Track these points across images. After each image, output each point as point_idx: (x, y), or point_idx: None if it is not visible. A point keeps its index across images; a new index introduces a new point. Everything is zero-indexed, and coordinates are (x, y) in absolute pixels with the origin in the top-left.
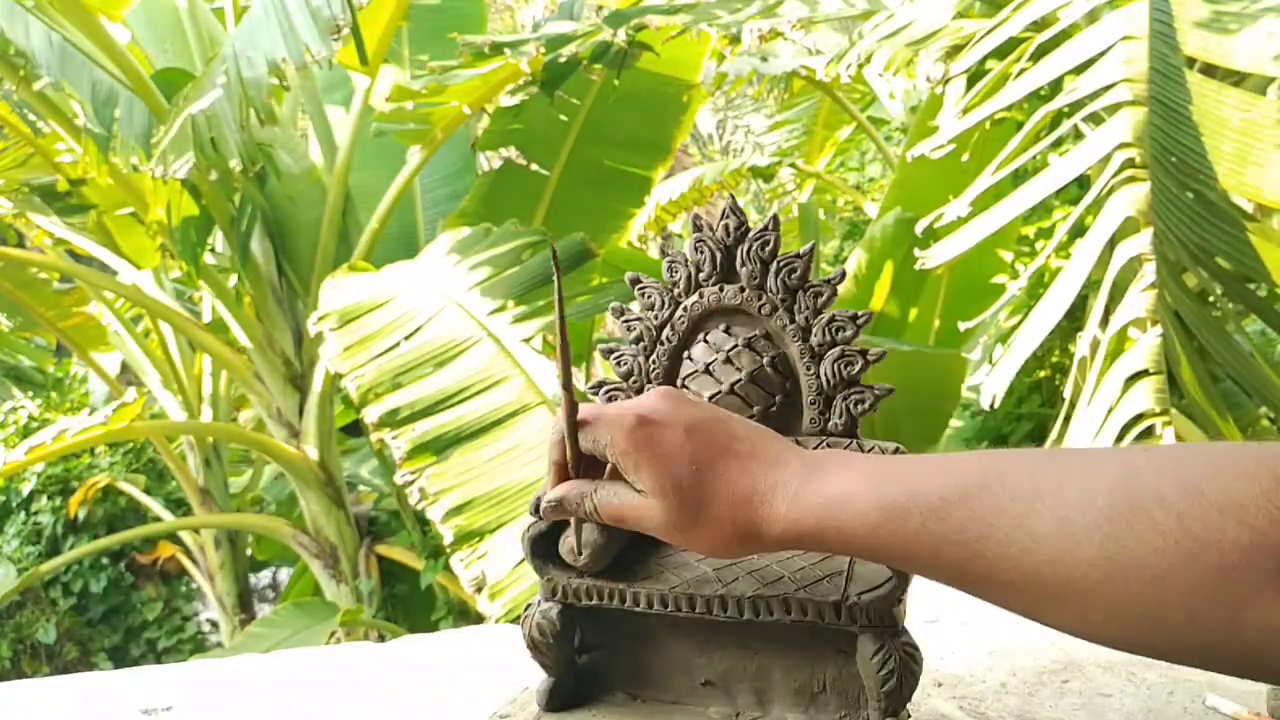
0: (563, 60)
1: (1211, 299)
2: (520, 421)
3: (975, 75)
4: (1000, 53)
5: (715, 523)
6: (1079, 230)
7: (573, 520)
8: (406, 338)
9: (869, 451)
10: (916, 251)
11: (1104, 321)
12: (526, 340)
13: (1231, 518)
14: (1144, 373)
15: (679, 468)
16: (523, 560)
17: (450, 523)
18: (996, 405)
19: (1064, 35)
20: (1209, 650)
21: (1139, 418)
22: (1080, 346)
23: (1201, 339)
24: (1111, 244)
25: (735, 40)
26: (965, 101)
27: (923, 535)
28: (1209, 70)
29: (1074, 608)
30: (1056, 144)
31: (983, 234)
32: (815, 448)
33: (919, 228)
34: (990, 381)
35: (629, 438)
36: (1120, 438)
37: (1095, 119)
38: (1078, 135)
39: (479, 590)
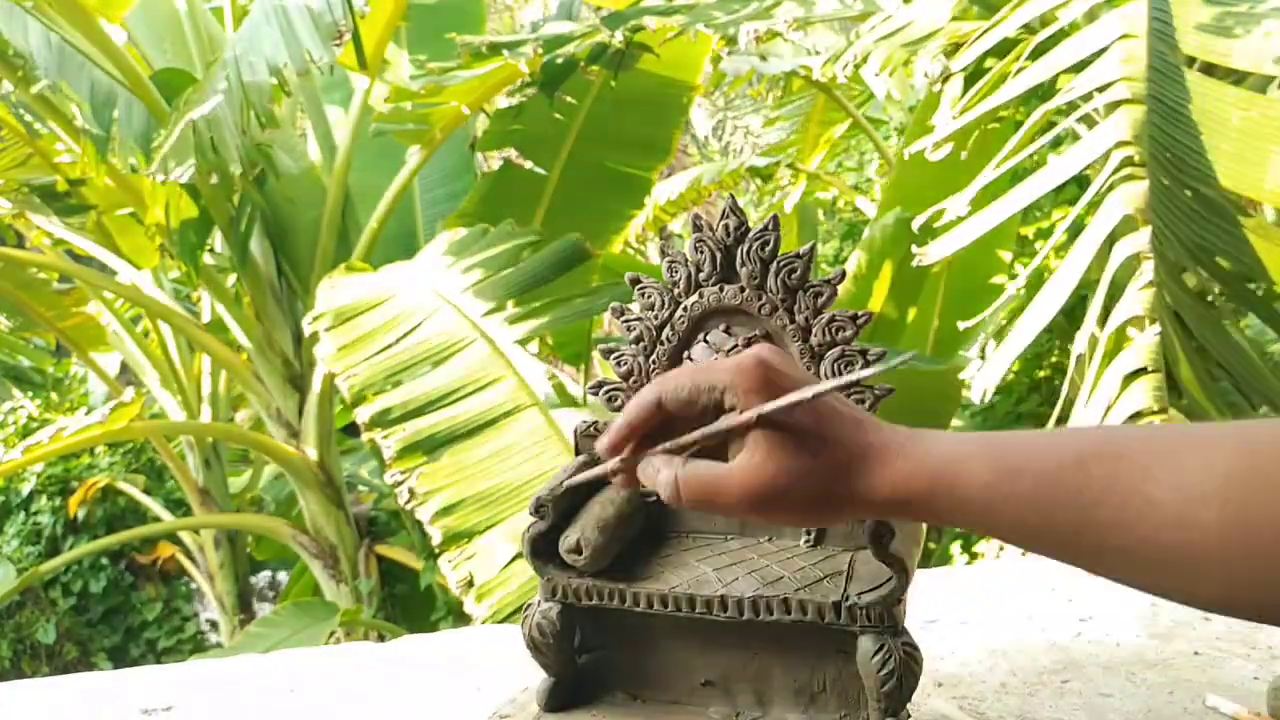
0: (561, 61)
1: (1210, 298)
2: (512, 423)
3: (974, 75)
4: (999, 51)
5: (817, 488)
6: (1078, 229)
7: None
8: (401, 338)
9: None
10: (914, 248)
11: (1102, 320)
12: (520, 342)
13: None
14: (1142, 370)
15: (798, 412)
16: (511, 562)
17: (439, 523)
18: (988, 400)
19: (1062, 34)
20: None
21: (1137, 416)
22: (1078, 344)
23: (1200, 337)
24: (1110, 242)
25: (732, 41)
26: (964, 101)
27: (1037, 499)
28: (1209, 69)
29: (1189, 573)
30: (1056, 144)
31: (980, 231)
32: None
33: (916, 224)
34: (982, 376)
35: (751, 377)
36: None
37: (1090, 120)
38: (1077, 135)
39: (466, 591)
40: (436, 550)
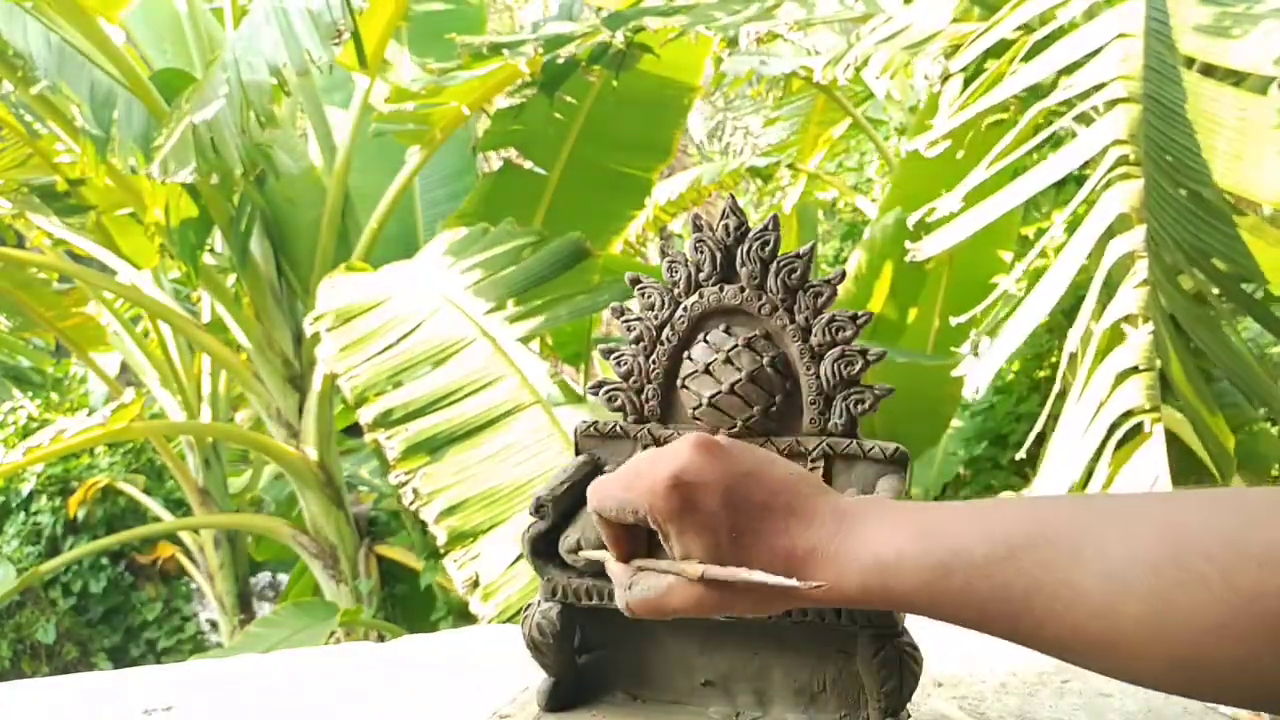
0: (561, 61)
1: (1206, 299)
2: (515, 421)
3: (973, 75)
4: (997, 51)
5: (750, 595)
6: (1074, 228)
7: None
8: (402, 338)
9: (869, 452)
10: (908, 244)
11: (1096, 317)
12: (522, 340)
13: (1272, 570)
14: (1134, 369)
15: (718, 535)
16: (516, 560)
17: (443, 523)
18: (980, 395)
19: (1060, 32)
20: (1260, 696)
21: (1128, 414)
22: (1071, 341)
23: (1195, 337)
24: (1105, 240)
25: (733, 43)
26: (964, 99)
27: (969, 593)
28: (1208, 70)
29: (1122, 660)
30: (1055, 144)
31: (974, 228)
32: (815, 449)
33: (911, 221)
34: (975, 372)
35: (666, 503)
36: (1109, 434)
37: (1086, 119)
38: (1073, 133)
39: (472, 591)
40: (441, 551)
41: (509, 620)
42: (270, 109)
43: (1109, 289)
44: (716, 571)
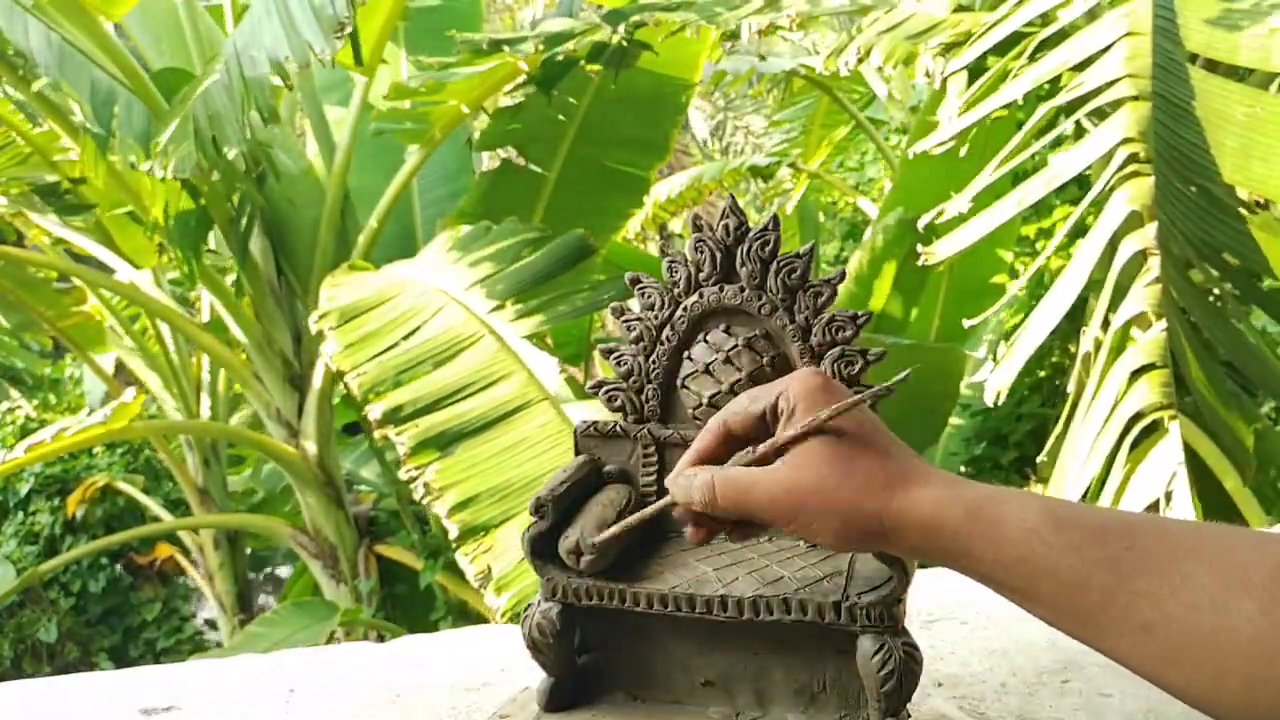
0: (560, 58)
1: (1217, 294)
2: (523, 417)
3: (976, 71)
4: (1001, 49)
5: (852, 499)
6: (1079, 230)
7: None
8: (407, 336)
9: None
10: (919, 248)
11: (1106, 319)
12: (528, 337)
13: None
14: (1149, 367)
15: (847, 422)
16: None
17: (456, 518)
18: (1000, 402)
19: (1064, 33)
20: None
21: (1139, 415)
22: (1084, 343)
23: (1209, 333)
24: (1114, 240)
25: (734, 36)
26: (966, 97)
27: (1078, 552)
28: (1211, 66)
29: (1211, 664)
30: (1056, 144)
31: (983, 231)
32: None
33: (920, 224)
34: (994, 379)
35: (807, 383)
36: (1125, 432)
37: (1098, 114)
38: (1079, 133)
39: (485, 584)
40: (453, 544)
41: (520, 614)
42: (273, 104)
43: (1120, 289)
44: (833, 409)
